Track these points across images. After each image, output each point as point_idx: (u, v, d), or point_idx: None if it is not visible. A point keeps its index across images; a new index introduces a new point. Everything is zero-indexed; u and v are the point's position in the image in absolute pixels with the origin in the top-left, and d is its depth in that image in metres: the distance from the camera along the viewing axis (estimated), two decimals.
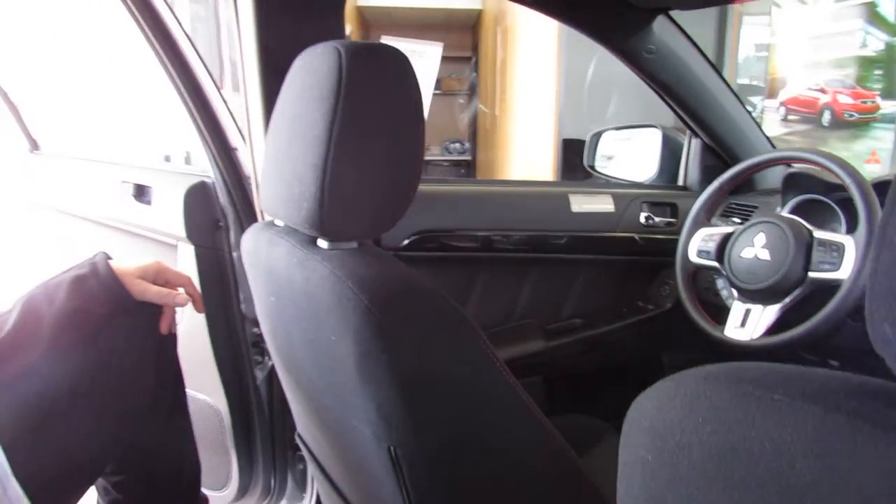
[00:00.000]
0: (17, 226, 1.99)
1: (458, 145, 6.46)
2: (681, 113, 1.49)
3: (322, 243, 0.78)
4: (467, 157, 6.46)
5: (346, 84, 0.70)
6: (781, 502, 0.30)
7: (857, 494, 0.27)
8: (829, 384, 0.31)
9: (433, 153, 6.36)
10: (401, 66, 0.74)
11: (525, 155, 4.32)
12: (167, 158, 1.72)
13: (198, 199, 1.36)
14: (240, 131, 1.30)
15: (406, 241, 1.31)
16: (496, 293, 1.46)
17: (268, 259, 0.88)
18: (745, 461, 0.31)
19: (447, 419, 0.67)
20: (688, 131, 1.57)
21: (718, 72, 1.44)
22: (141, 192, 1.48)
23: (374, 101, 0.73)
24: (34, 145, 1.90)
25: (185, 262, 1.37)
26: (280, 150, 0.81)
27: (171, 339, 1.07)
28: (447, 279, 1.40)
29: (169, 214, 1.38)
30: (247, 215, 1.33)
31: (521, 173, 4.37)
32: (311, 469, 1.14)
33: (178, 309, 1.06)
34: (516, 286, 1.47)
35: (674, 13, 1.36)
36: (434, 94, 5.78)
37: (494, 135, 5.24)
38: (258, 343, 1.34)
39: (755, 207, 1.37)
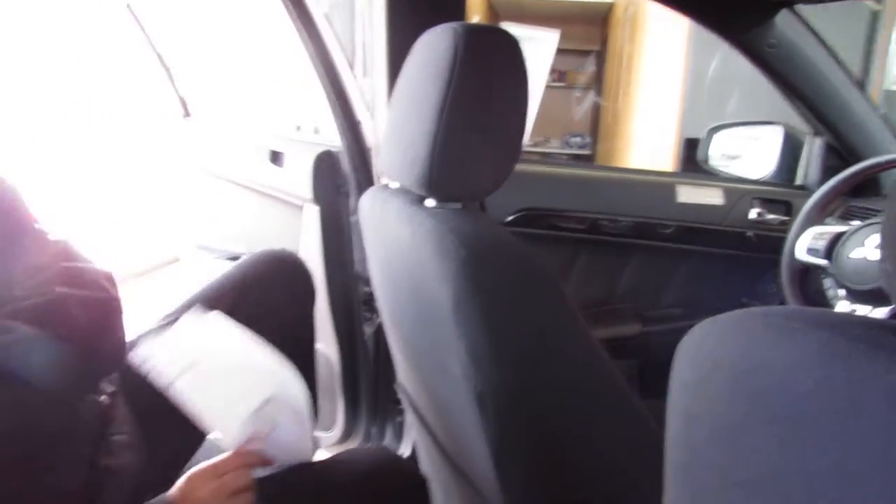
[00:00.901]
0: (170, 184, 2.22)
1: (578, 139, 6.42)
2: (803, 110, 1.47)
3: (429, 203, 0.86)
4: (587, 152, 6.41)
5: (460, 60, 0.77)
6: (786, 408, 0.35)
7: (848, 401, 0.32)
8: (846, 319, 0.35)
9: (553, 146, 6.36)
10: (510, 47, 0.81)
11: (645, 152, 4.26)
12: (298, 128, 1.88)
13: (324, 166, 1.49)
14: (365, 106, 1.41)
15: (511, 217, 1.38)
16: (595, 275, 1.50)
17: (381, 217, 0.98)
18: (763, 376, 0.36)
19: (531, 366, 0.73)
20: (810, 130, 1.54)
21: (846, 68, 1.40)
22: (275, 158, 1.64)
23: (483, 77, 0.80)
24: (186, 112, 2.12)
25: (309, 221, 1.51)
26: (398, 120, 0.91)
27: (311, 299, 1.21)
28: (548, 257, 1.46)
29: (298, 178, 1.52)
30: (366, 183, 1.45)
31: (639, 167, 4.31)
32: (409, 417, 1.24)
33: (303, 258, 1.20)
34: (616, 271, 1.51)
35: (817, 11, 1.34)
36: (556, 87, 5.77)
37: (615, 129, 5.18)
38: (369, 301, 1.46)
39: (877, 211, 1.32)
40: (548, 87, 5.46)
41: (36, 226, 0.86)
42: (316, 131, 1.74)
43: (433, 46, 0.83)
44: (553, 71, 5.55)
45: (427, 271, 0.79)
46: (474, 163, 0.83)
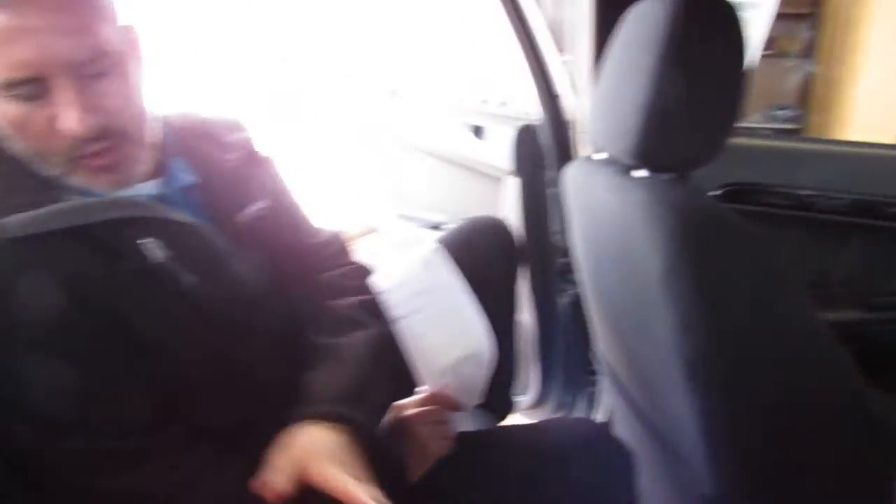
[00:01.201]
0: (373, 158, 2.39)
1: (784, 112, 5.91)
2: None
3: (639, 173, 0.87)
4: (795, 126, 5.88)
5: (675, 30, 0.77)
6: None
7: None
8: None
9: (754, 120, 5.92)
10: (727, 13, 0.79)
11: (867, 127, 3.83)
12: (484, 101, 1.93)
13: (525, 139, 1.53)
14: (565, 82, 1.43)
15: (719, 191, 1.33)
16: (808, 257, 1.40)
17: (586, 188, 1.00)
18: None
19: (748, 336, 0.72)
20: None
21: None
22: (477, 132, 1.71)
23: (699, 46, 0.79)
24: (392, 91, 2.26)
25: (509, 193, 1.56)
26: (608, 92, 0.92)
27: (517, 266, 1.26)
28: None
29: (498, 151, 1.58)
30: (564, 156, 1.47)
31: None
32: (604, 386, 1.26)
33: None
34: (832, 252, 1.40)
35: None
36: (763, 56, 5.35)
37: (829, 101, 4.70)
38: (565, 272, 1.48)
39: None
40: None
41: None
42: (503, 104, 1.79)
43: (645, 18, 0.83)
44: None
45: (636, 240, 0.80)
46: (687, 133, 0.82)
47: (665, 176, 0.85)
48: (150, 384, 0.74)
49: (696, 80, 0.80)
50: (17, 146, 0.74)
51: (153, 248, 0.76)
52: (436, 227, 1.41)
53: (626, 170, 0.90)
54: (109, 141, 0.74)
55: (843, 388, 0.73)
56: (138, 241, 0.75)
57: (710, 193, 1.34)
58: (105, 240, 0.73)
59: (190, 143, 0.90)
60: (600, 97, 0.95)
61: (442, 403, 0.97)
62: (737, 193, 1.34)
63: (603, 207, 0.93)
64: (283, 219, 0.98)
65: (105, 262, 0.73)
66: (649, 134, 0.81)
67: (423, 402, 0.96)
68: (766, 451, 0.76)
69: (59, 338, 0.69)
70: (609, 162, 0.96)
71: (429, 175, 2.02)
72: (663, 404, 0.89)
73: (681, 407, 0.80)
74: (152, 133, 0.82)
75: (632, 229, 0.81)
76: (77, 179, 0.75)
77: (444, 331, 1.04)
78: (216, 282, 0.80)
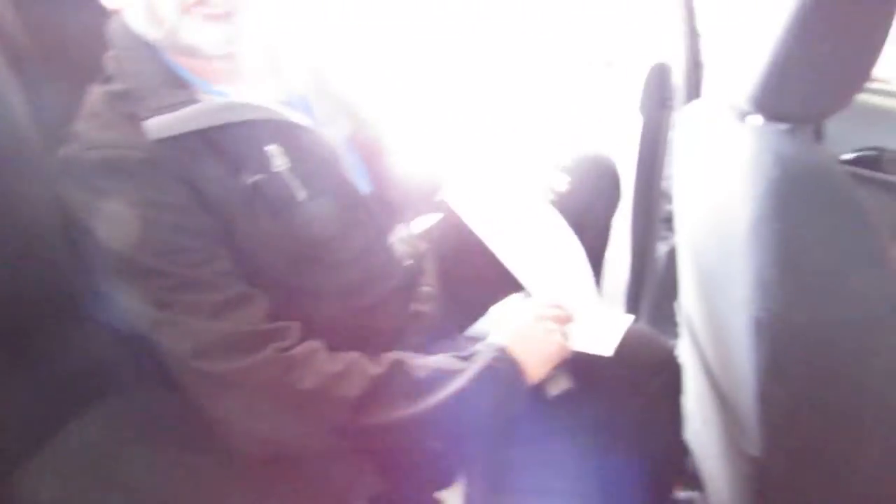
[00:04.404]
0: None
1: None
2: None
3: (754, 120, 0.82)
4: None
5: None
6: None
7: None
8: None
9: None
10: None
11: None
12: (633, 38, 1.85)
13: (656, 77, 1.47)
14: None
15: (852, 155, 1.23)
16: None
17: (696, 132, 0.96)
18: None
19: (821, 300, 0.69)
20: None
21: None
22: (609, 65, 1.66)
23: None
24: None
25: (630, 131, 1.52)
26: (740, 31, 0.87)
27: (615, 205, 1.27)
28: (886, 207, 1.27)
29: (629, 87, 1.53)
30: (693, 98, 1.40)
31: None
32: (684, 338, 1.24)
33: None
34: None
35: None
36: None
37: None
38: (669, 219, 1.44)
39: None
40: None
41: None
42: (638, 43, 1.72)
43: None
44: None
45: (734, 187, 0.77)
46: (813, 82, 0.76)
47: (780, 126, 0.81)
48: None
49: (829, 28, 0.74)
50: (140, 23, 0.79)
51: (276, 154, 0.81)
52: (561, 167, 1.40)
53: (742, 116, 0.86)
54: None
55: None
56: (265, 148, 0.80)
57: (843, 157, 1.24)
58: (232, 145, 0.79)
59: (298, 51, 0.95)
60: (727, 37, 0.90)
61: (560, 315, 0.98)
62: (876, 161, 1.24)
63: (709, 153, 0.89)
64: (388, 133, 1.02)
65: (229, 169, 0.79)
66: (769, 80, 0.76)
67: (538, 304, 0.98)
68: (817, 422, 0.74)
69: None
70: (727, 107, 0.92)
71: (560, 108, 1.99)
72: (728, 363, 0.88)
73: (743, 367, 0.78)
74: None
75: (733, 176, 0.78)
76: (188, 32, 0.78)
77: (546, 245, 1.06)
78: (326, 190, 0.86)
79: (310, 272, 0.86)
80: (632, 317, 1.04)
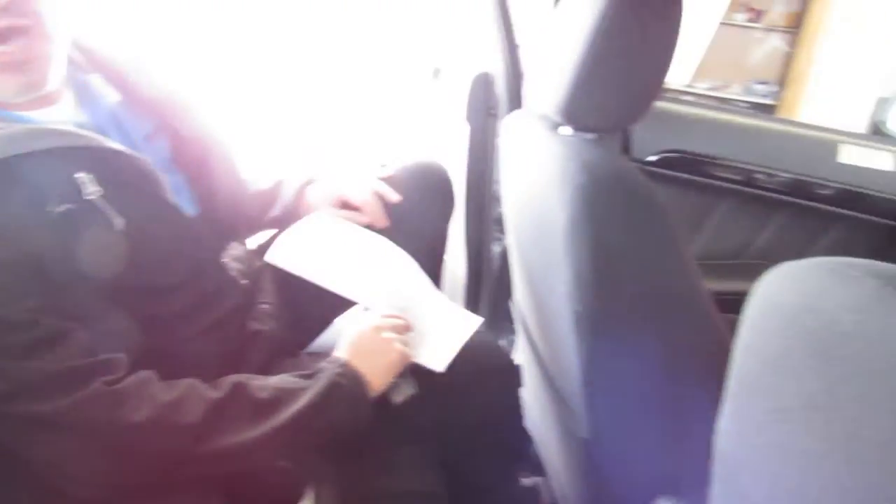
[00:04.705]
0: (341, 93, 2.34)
1: (763, 86, 5.93)
2: None
3: (564, 130, 0.90)
4: (771, 101, 5.91)
5: None
6: (828, 345, 0.38)
7: (880, 342, 0.34)
8: (893, 269, 0.37)
9: (733, 91, 5.93)
10: None
11: (832, 107, 3.90)
12: (458, 47, 1.92)
13: (480, 87, 1.54)
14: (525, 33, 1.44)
15: (655, 156, 1.37)
16: (734, 228, 1.46)
17: (518, 140, 1.03)
18: (814, 316, 0.39)
19: (630, 293, 0.77)
20: None
21: None
22: (436, 74, 1.71)
23: (637, 15, 0.81)
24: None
25: (458, 139, 1.58)
26: (552, 46, 0.94)
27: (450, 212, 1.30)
28: (686, 202, 1.44)
29: (455, 97, 1.59)
30: (516, 107, 1.49)
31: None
32: (519, 335, 1.31)
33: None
34: (757, 226, 1.46)
35: None
36: (748, 27, 5.31)
37: (805, 80, 4.74)
38: (500, 221, 1.52)
39: None
40: (737, 26, 5.07)
41: None
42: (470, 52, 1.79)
43: None
44: (749, 9, 5.11)
45: (549, 194, 0.84)
46: (612, 96, 0.85)
47: (586, 135, 0.88)
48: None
49: (629, 44, 0.82)
50: None
51: (87, 182, 0.76)
52: (384, 165, 1.43)
53: (555, 126, 0.93)
54: (17, 38, 0.72)
55: (715, 348, 0.78)
56: (74, 175, 0.75)
57: (648, 158, 1.37)
58: (37, 174, 0.72)
59: (105, 62, 0.90)
60: (543, 52, 0.97)
61: (398, 325, 0.99)
62: (675, 160, 1.38)
63: (528, 161, 0.96)
64: (213, 149, 0.99)
65: (35, 199, 0.73)
66: (574, 94, 0.83)
67: (382, 315, 0.99)
68: (636, 402, 0.82)
69: None
70: (543, 117, 0.99)
71: (385, 115, 2.02)
72: (557, 354, 0.95)
73: (569, 357, 0.85)
74: (65, 39, 0.81)
75: (548, 183, 0.85)
76: None
77: (367, 262, 1.08)
78: (146, 215, 0.82)
79: (136, 300, 0.82)
80: (480, 319, 1.08)
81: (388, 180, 1.22)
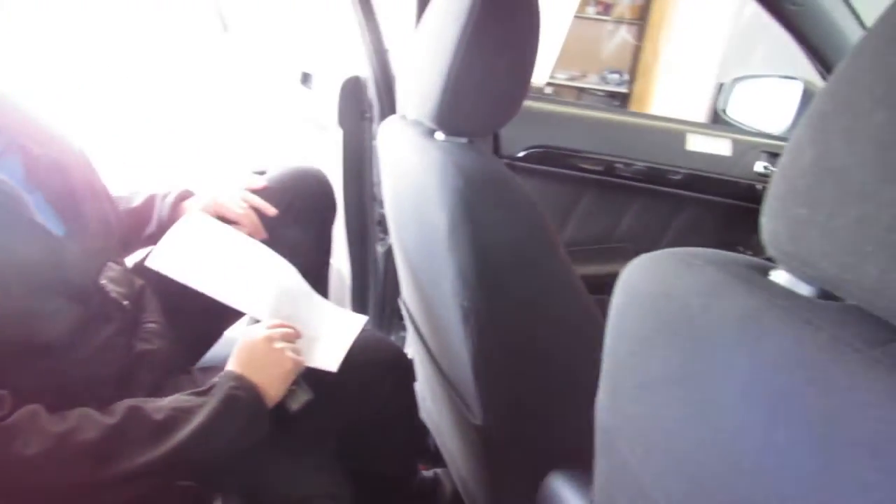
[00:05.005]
0: (207, 101, 2.30)
1: (616, 76, 6.30)
2: (822, 70, 1.49)
3: (439, 136, 0.94)
4: (624, 90, 6.30)
5: (481, 6, 0.83)
6: (681, 326, 0.44)
7: (719, 320, 0.41)
8: (733, 258, 0.44)
9: (589, 81, 6.25)
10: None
11: (678, 95, 4.22)
12: (328, 50, 1.93)
13: (351, 91, 1.56)
14: (393, 36, 1.47)
15: (523, 153, 1.45)
16: (598, 215, 1.57)
17: (395, 145, 1.06)
18: (668, 301, 0.46)
19: (512, 288, 0.83)
20: None
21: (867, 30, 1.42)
22: (305, 79, 1.71)
23: (498, 24, 0.86)
24: (224, 26, 2.18)
25: (333, 143, 1.60)
26: (419, 54, 0.98)
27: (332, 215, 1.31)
28: (554, 193, 1.53)
29: (326, 101, 1.60)
30: (390, 110, 1.52)
31: (671, 111, 4.28)
32: (409, 331, 1.35)
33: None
34: (619, 212, 1.58)
35: None
36: (599, 20, 5.62)
37: (654, 69, 5.10)
38: (382, 222, 1.55)
39: None
40: (589, 19, 5.35)
41: None
42: (344, 55, 1.80)
43: None
44: (598, 2, 5.41)
45: (429, 198, 0.88)
46: (481, 102, 0.90)
47: (460, 139, 0.93)
48: None
49: (493, 52, 0.88)
50: None
51: None
52: (261, 173, 1.42)
53: (430, 132, 0.97)
54: None
55: (589, 329, 0.86)
56: None
57: (517, 155, 1.45)
58: None
59: None
60: (412, 59, 1.01)
61: (287, 334, 0.99)
62: (541, 155, 1.47)
63: (407, 165, 0.99)
64: (71, 166, 0.96)
65: None
66: (445, 100, 0.88)
67: (271, 326, 0.99)
68: (521, 388, 0.89)
69: None
70: (418, 122, 1.02)
71: (258, 121, 1.99)
72: (447, 348, 1.00)
73: (459, 350, 0.90)
74: None
75: (426, 189, 0.89)
76: None
77: (247, 269, 1.08)
78: (8, 241, 0.79)
79: (12, 329, 0.79)
80: (365, 318, 1.11)
81: (266, 190, 1.22)
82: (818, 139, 0.37)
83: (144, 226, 1.15)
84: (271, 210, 1.19)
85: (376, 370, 1.13)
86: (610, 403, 0.56)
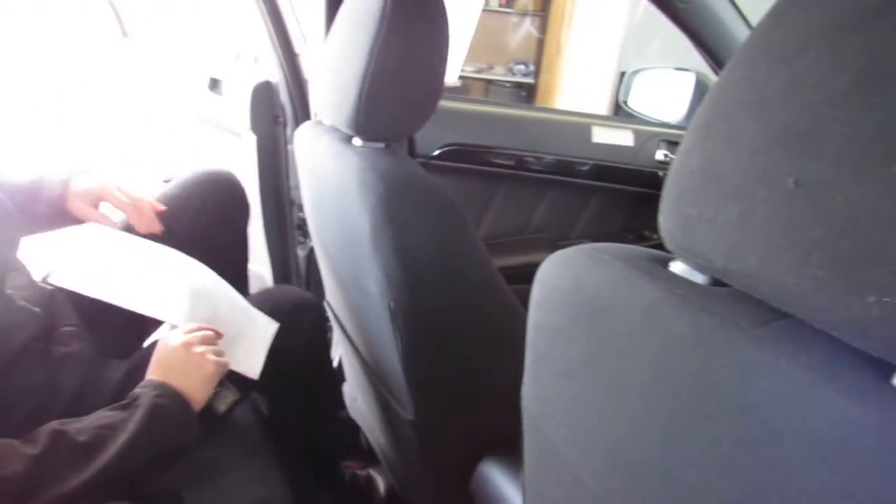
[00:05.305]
0: (106, 106, 2.22)
1: (522, 67, 6.43)
2: (711, 62, 1.59)
3: (356, 142, 0.96)
4: (531, 80, 6.44)
5: (389, 13, 0.86)
6: (592, 316, 0.49)
7: (626, 310, 0.46)
8: (637, 252, 0.49)
9: (496, 73, 6.36)
10: (436, 2, 0.90)
11: (582, 85, 4.36)
12: (237, 56, 1.91)
13: (262, 96, 1.55)
14: (304, 39, 1.47)
15: (438, 151, 1.48)
16: (513, 208, 1.63)
17: (313, 151, 1.08)
18: (580, 294, 0.50)
19: (436, 285, 0.87)
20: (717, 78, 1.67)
21: (750, 25, 1.53)
22: (214, 85, 1.68)
23: (409, 30, 0.89)
24: (124, 32, 2.11)
25: (247, 149, 1.58)
26: (332, 62, 0.99)
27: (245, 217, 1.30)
28: (470, 190, 1.58)
29: (237, 107, 1.58)
30: (303, 114, 1.52)
31: (576, 102, 4.43)
32: (335, 332, 1.37)
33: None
34: (533, 204, 1.65)
35: None
36: (503, 13, 5.71)
37: (558, 60, 5.24)
38: (302, 226, 1.56)
39: None
40: (494, 12, 5.44)
41: None
42: (256, 61, 1.78)
43: None
44: None
45: (350, 203, 0.90)
46: (396, 107, 0.93)
47: (378, 145, 0.96)
48: None
49: (405, 59, 0.90)
50: None
51: None
52: (167, 181, 1.39)
53: (348, 137, 0.99)
54: None
55: (511, 320, 0.90)
56: None
57: (432, 153, 1.49)
58: None
59: None
60: (326, 67, 1.02)
61: (206, 337, 0.99)
62: (455, 153, 1.51)
63: (326, 171, 1.01)
64: None
65: None
66: (361, 108, 0.90)
67: (189, 331, 0.98)
68: (448, 382, 0.92)
69: None
70: (334, 128, 1.04)
71: (167, 128, 1.95)
72: (376, 347, 1.02)
73: (388, 349, 0.93)
74: None
75: (348, 194, 0.91)
76: None
77: (155, 273, 1.06)
78: None
79: None
80: (276, 325, 1.11)
81: (174, 196, 1.21)
82: (703, 146, 0.42)
83: (33, 205, 1.13)
84: (159, 206, 1.18)
85: (285, 315, 1.16)
86: (534, 390, 0.60)
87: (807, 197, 0.35)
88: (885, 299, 0.32)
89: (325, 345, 1.30)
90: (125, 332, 1.16)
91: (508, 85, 6.47)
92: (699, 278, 0.45)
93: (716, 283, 0.44)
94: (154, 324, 1.19)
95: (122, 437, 0.82)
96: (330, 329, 1.31)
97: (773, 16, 0.41)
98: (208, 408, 0.95)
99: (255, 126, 1.56)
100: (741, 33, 1.52)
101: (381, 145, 0.96)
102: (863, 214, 0.32)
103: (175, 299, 1.04)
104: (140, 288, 1.04)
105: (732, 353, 0.39)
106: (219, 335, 1.01)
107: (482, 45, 5.25)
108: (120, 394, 0.92)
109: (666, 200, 0.45)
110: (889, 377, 0.34)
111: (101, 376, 1.02)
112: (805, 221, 0.35)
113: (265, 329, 1.10)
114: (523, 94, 6.39)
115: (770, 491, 0.37)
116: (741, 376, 0.39)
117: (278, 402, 1.22)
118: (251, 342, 1.07)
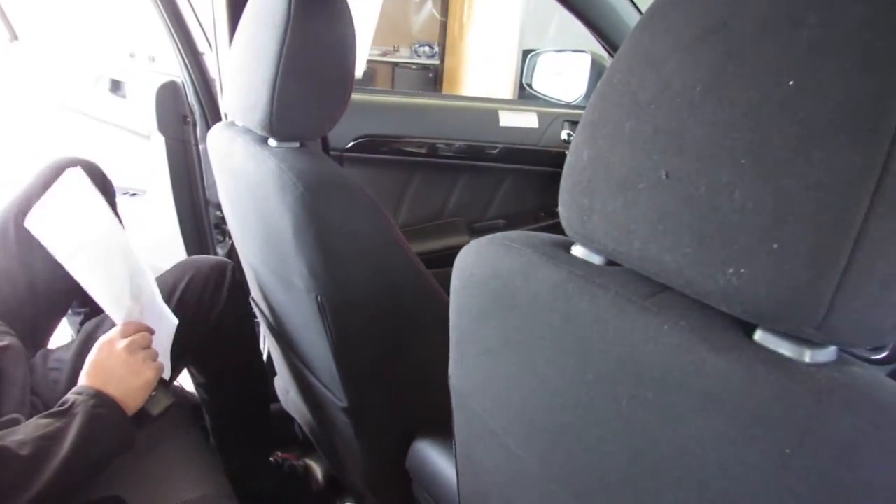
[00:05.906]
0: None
1: (427, 48, 6.45)
2: (602, 43, 1.68)
3: (271, 142, 0.98)
4: (436, 62, 6.47)
5: (294, 16, 0.88)
6: (507, 300, 0.54)
7: (534, 292, 0.51)
8: (543, 239, 0.55)
9: (402, 55, 6.35)
10: (339, 3, 0.92)
11: (487, 65, 4.44)
12: (132, 55, 1.86)
13: (168, 96, 1.53)
14: (206, 38, 1.46)
15: (351, 144, 1.51)
16: (429, 194, 1.68)
17: (228, 152, 1.08)
18: (496, 280, 0.56)
19: (360, 277, 0.90)
20: (610, 59, 1.76)
21: (638, 10, 1.62)
22: (116, 87, 1.64)
23: (315, 31, 0.91)
24: (13, 35, 2.01)
25: (156, 151, 1.56)
26: (240, 63, 1.00)
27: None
28: (386, 179, 1.61)
29: (142, 108, 1.55)
30: (212, 112, 1.51)
31: (481, 83, 4.50)
32: (262, 328, 1.39)
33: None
34: (448, 189, 1.70)
35: None
36: None
37: (461, 42, 5.30)
38: (220, 224, 1.55)
39: None
40: None
41: None
42: (152, 59, 1.75)
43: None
44: None
45: (270, 203, 0.92)
46: (309, 107, 0.95)
47: (293, 144, 0.98)
48: None
49: (313, 60, 0.92)
50: None
51: None
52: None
53: (262, 139, 1.00)
54: None
55: (434, 305, 0.95)
56: None
57: (346, 146, 1.51)
58: None
59: None
60: (233, 69, 1.03)
61: (139, 329, 1.00)
62: (368, 144, 1.54)
63: (243, 172, 1.02)
64: None
65: None
66: (274, 110, 0.92)
67: (124, 333, 0.98)
68: (383, 365, 0.97)
69: None
70: (247, 129, 1.05)
71: (68, 133, 1.88)
72: (307, 339, 1.05)
73: (320, 341, 0.96)
74: None
75: (267, 195, 0.93)
76: None
77: (111, 261, 1.05)
78: None
79: None
80: (176, 321, 1.11)
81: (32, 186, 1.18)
82: (591, 143, 0.48)
83: None
84: None
85: (199, 280, 1.19)
86: (460, 370, 0.66)
87: (676, 188, 0.41)
88: (741, 270, 0.39)
89: (248, 305, 1.32)
90: (35, 322, 1.15)
91: (414, 67, 6.48)
92: (596, 259, 0.51)
93: (610, 263, 0.50)
94: (64, 309, 1.19)
95: (63, 451, 0.83)
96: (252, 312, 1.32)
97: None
98: (142, 411, 0.96)
99: (163, 127, 1.54)
100: (631, 17, 1.61)
101: (297, 145, 0.98)
102: (720, 201, 0.39)
103: (119, 292, 1.03)
104: (96, 270, 1.03)
105: (625, 322, 0.45)
106: (151, 332, 1.02)
107: (387, 27, 5.24)
108: (71, 379, 0.91)
109: (563, 192, 0.51)
110: (750, 334, 0.41)
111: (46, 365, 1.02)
112: (676, 208, 0.41)
113: (170, 324, 1.10)
114: (430, 75, 6.42)
115: (663, 438, 0.44)
116: (633, 342, 0.45)
117: (210, 371, 1.24)
118: (161, 339, 1.07)
